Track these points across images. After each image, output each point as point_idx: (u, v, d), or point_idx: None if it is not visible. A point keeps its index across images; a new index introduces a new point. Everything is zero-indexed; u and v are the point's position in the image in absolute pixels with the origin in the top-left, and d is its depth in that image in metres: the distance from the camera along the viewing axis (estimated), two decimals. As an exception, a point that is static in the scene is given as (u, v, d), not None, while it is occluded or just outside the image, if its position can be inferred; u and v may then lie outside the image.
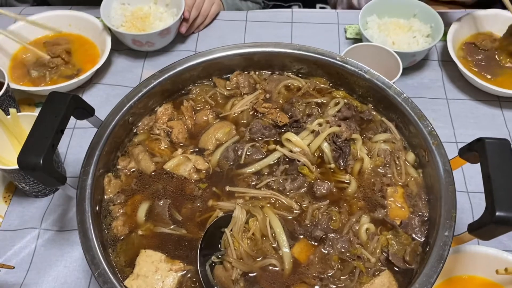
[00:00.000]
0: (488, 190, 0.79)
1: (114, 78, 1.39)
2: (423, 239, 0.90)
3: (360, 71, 1.06)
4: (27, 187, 1.11)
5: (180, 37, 1.48)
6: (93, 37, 1.44)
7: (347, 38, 1.48)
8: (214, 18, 1.55)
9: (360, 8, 1.55)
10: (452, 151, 1.24)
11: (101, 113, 0.99)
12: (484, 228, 0.78)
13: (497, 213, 0.75)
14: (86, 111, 0.93)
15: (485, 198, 0.79)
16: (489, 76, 1.34)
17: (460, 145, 1.25)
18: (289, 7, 2.16)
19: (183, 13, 1.39)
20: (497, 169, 0.81)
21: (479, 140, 0.85)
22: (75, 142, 1.25)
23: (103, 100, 1.34)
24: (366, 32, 1.38)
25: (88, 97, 1.35)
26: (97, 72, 1.35)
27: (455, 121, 1.29)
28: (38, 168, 0.79)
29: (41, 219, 1.11)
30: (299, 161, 0.98)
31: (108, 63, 1.41)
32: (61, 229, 1.10)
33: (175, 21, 1.37)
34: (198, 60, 1.08)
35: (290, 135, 1.01)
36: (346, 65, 1.07)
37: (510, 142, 0.84)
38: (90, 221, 0.85)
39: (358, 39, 1.46)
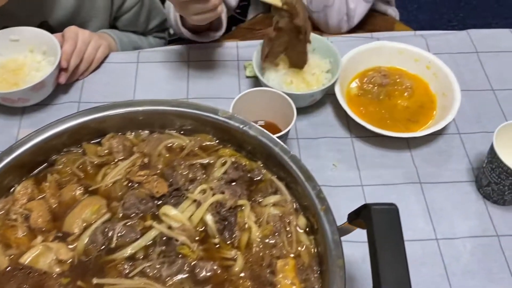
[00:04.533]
0: (374, 268, 0.72)
1: (-18, 143, 1.21)
2: (316, 320, 0.81)
3: (244, 127, 0.96)
4: None
5: (63, 86, 1.33)
6: (-43, 95, 1.26)
7: (247, 77, 1.38)
8: (102, 62, 1.41)
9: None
10: (357, 197, 1.17)
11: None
12: (373, 313, 0.70)
13: (384, 297, 0.67)
14: None
15: (372, 277, 0.72)
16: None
17: (366, 188, 1.19)
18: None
19: (59, 63, 1.24)
20: (383, 242, 0.73)
21: (365, 207, 0.78)
22: None
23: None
24: (262, 71, 1.28)
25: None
26: (-39, 137, 1.18)
27: (360, 161, 1.22)
28: None
29: None
30: (177, 240, 0.86)
31: (-24, 124, 1.23)
32: None
33: (50, 73, 1.22)
34: (60, 128, 0.94)
35: (167, 209, 0.89)
36: (230, 121, 0.97)
37: (398, 209, 0.77)
38: None
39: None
